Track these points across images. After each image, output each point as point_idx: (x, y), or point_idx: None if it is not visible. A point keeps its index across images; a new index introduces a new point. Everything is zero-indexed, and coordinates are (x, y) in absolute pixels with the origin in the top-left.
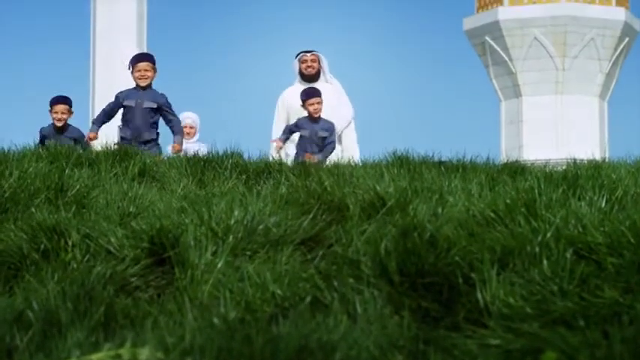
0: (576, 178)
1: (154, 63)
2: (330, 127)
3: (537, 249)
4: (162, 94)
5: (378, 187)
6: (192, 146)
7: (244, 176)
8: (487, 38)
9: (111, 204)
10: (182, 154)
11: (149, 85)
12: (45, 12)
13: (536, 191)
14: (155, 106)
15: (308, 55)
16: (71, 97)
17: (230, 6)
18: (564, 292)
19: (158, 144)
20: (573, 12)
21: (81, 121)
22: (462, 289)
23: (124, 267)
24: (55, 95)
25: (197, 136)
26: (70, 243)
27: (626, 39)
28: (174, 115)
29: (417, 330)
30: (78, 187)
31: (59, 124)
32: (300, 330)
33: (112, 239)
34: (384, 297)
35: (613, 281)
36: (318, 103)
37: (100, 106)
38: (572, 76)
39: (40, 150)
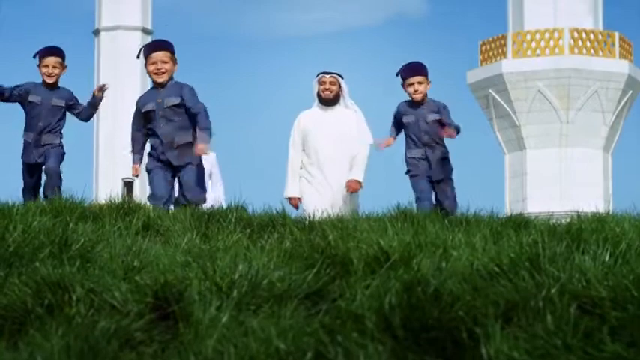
0: (580, 231)
1: (172, 52)
2: (439, 108)
3: (541, 303)
4: (185, 85)
5: (381, 242)
6: None
7: (248, 230)
8: (491, 91)
9: (115, 258)
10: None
11: (169, 80)
12: (49, 34)
13: (540, 245)
14: (178, 101)
15: (327, 76)
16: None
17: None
18: (568, 346)
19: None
20: (577, 65)
21: (85, 133)
22: (466, 344)
23: (128, 321)
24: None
25: None
26: (74, 297)
27: (630, 91)
28: (197, 106)
29: None
30: (82, 241)
31: (50, 79)
32: None
33: (116, 294)
34: (388, 351)
35: (617, 335)
36: (419, 82)
37: (103, 128)
38: (576, 128)
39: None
